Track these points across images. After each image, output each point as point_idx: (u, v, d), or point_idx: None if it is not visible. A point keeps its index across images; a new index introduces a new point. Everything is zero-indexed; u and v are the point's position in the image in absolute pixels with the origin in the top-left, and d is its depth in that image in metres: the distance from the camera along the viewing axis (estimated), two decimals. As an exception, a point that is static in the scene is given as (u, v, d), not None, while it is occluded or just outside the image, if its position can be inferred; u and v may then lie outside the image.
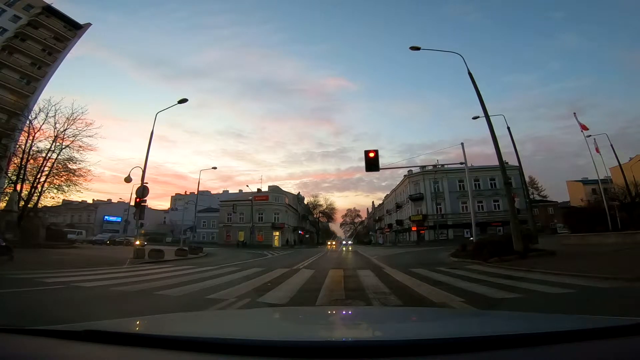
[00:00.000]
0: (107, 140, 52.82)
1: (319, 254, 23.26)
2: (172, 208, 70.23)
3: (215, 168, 63.83)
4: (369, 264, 12.98)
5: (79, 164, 22.64)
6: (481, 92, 12.88)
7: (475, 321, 1.84)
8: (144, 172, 17.10)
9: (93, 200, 60.29)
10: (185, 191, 70.28)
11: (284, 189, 60.49)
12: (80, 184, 23.03)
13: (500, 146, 12.65)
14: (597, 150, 20.61)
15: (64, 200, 25.83)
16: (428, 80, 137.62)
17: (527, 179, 36.17)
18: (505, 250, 11.02)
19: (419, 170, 45.55)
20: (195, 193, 36.71)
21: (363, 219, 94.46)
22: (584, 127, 20.19)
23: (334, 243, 61.66)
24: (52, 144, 21.85)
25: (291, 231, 56.83)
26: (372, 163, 14.98)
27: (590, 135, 20.77)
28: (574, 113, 21.06)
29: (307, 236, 64.04)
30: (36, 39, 33.25)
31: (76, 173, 22.72)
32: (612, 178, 27.13)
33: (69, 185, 22.78)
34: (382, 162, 29.76)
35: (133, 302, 5.32)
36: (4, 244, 11.92)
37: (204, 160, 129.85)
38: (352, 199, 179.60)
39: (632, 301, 4.64)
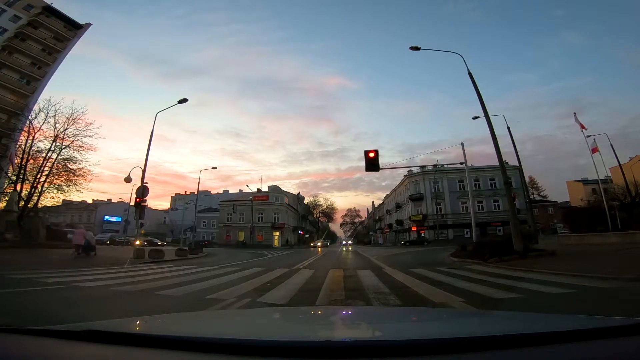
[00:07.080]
0: (106, 139, 52.93)
1: (315, 255, 23.19)
2: (172, 208, 70.17)
3: (215, 168, 63.79)
4: (368, 264, 12.96)
5: (79, 164, 22.77)
6: (481, 92, 12.89)
7: (475, 321, 1.84)
8: (144, 172, 17.11)
9: (93, 200, 60.43)
10: (185, 191, 70.42)
11: (283, 188, 60.61)
12: (80, 184, 23.15)
13: (500, 146, 12.66)
14: (596, 150, 20.55)
15: (64, 200, 25.89)
16: (428, 79, 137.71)
17: (527, 179, 36.19)
18: (505, 250, 11.01)
19: (419, 170, 45.58)
20: (195, 193, 36.73)
21: (363, 219, 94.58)
22: (582, 126, 20.23)
23: (326, 244, 47.22)
24: (52, 144, 21.97)
25: (291, 231, 56.79)
26: (372, 163, 14.97)
27: (590, 135, 20.79)
28: (574, 113, 21.13)
29: (307, 236, 63.97)
30: (36, 39, 33.25)
31: (76, 173, 22.83)
32: (612, 178, 27.15)
33: (69, 185, 22.88)
34: (382, 161, 29.74)
35: (133, 302, 5.32)
36: (93, 243, 15.04)
37: (204, 160, 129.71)
38: (352, 198, 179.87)
39: (633, 301, 4.63)
